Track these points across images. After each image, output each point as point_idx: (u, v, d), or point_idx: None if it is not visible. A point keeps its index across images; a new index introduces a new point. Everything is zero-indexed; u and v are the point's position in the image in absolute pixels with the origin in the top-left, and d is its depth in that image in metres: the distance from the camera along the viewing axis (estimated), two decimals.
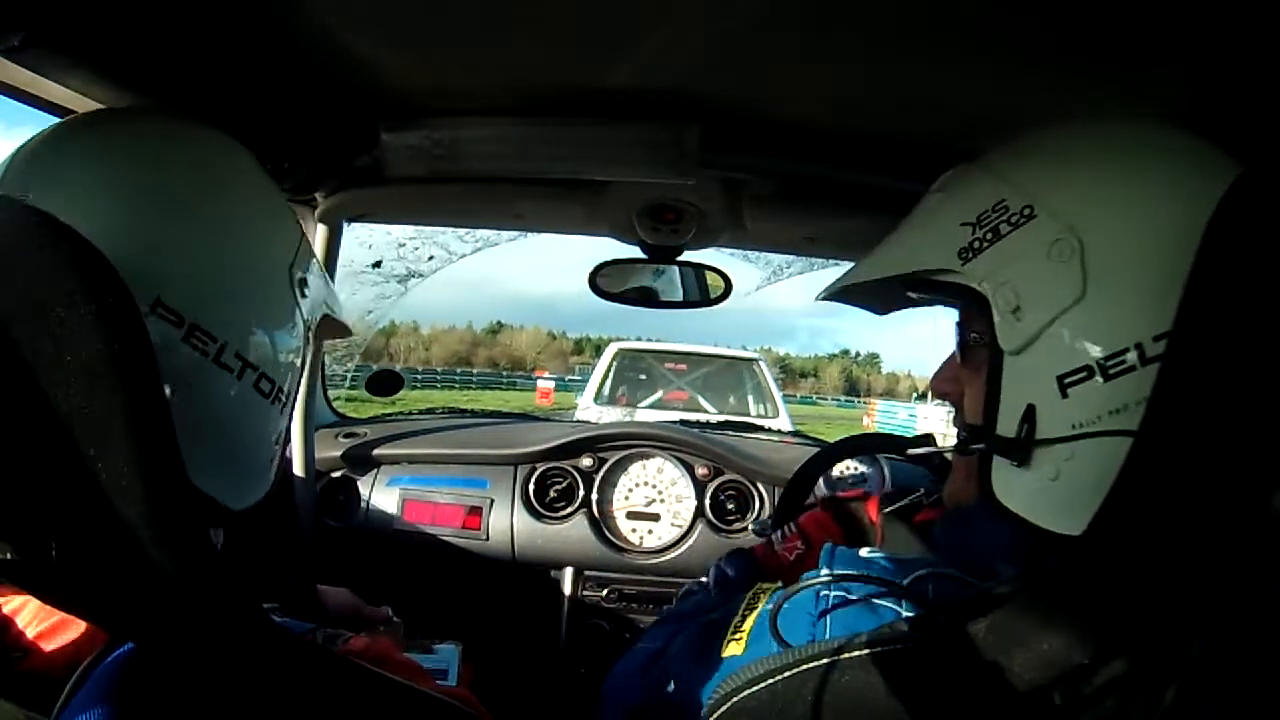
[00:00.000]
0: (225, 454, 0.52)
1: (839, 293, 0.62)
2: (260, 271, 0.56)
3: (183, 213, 0.51)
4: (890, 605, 0.45)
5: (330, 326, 0.70)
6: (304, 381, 1.21)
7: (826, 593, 0.47)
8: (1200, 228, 0.39)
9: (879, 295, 0.64)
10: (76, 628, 0.47)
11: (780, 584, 0.54)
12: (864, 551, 0.50)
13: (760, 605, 0.52)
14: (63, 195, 0.47)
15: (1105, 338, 0.44)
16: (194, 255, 0.51)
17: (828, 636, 0.45)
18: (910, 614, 0.44)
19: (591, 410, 4.68)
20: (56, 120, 0.60)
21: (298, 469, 1.23)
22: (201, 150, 0.57)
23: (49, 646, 0.46)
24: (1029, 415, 0.46)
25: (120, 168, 0.51)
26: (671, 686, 0.55)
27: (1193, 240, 0.39)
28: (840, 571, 0.48)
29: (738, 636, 0.51)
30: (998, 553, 0.49)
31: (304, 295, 0.59)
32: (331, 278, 1.22)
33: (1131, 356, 0.43)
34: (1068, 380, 0.45)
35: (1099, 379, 0.44)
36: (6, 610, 0.46)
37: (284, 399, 0.57)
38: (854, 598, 0.46)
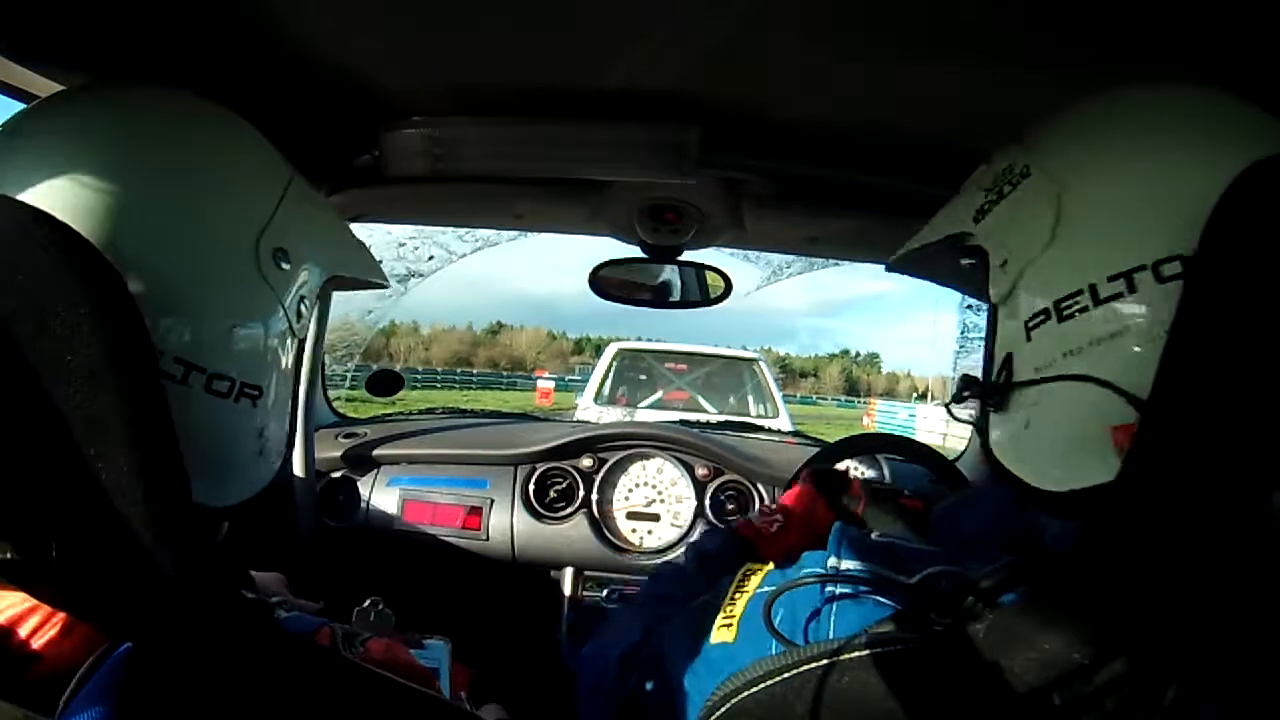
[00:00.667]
0: (191, 460, 0.45)
1: (903, 264, 0.65)
2: (205, 250, 0.47)
3: (93, 181, 0.44)
4: (897, 604, 0.44)
5: (354, 280, 0.63)
6: (305, 367, 1.22)
7: (833, 588, 0.46)
8: (1183, 190, 0.41)
9: (941, 267, 0.65)
10: (85, 632, 0.46)
11: (772, 565, 0.52)
12: (875, 535, 0.49)
13: (751, 587, 0.51)
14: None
15: (1063, 281, 0.45)
16: (108, 231, 0.43)
17: (830, 634, 0.44)
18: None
19: (591, 410, 4.67)
20: None
21: (298, 469, 1.23)
22: (129, 107, 0.49)
23: (56, 653, 0.45)
24: (1006, 362, 0.49)
25: (44, 146, 0.45)
26: (660, 675, 0.54)
27: (1172, 199, 0.42)
28: (846, 565, 0.47)
29: (728, 621, 0.49)
30: (993, 518, 0.50)
31: (282, 268, 0.50)
32: None
33: (1084, 298, 0.44)
34: (1030, 324, 0.47)
35: (1054, 320, 0.46)
36: (9, 616, 0.46)
37: (256, 393, 0.50)
38: (863, 593, 0.45)
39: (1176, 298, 0.40)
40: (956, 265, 0.60)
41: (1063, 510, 0.46)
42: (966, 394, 0.54)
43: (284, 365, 0.53)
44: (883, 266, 1.08)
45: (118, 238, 0.43)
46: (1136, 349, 0.42)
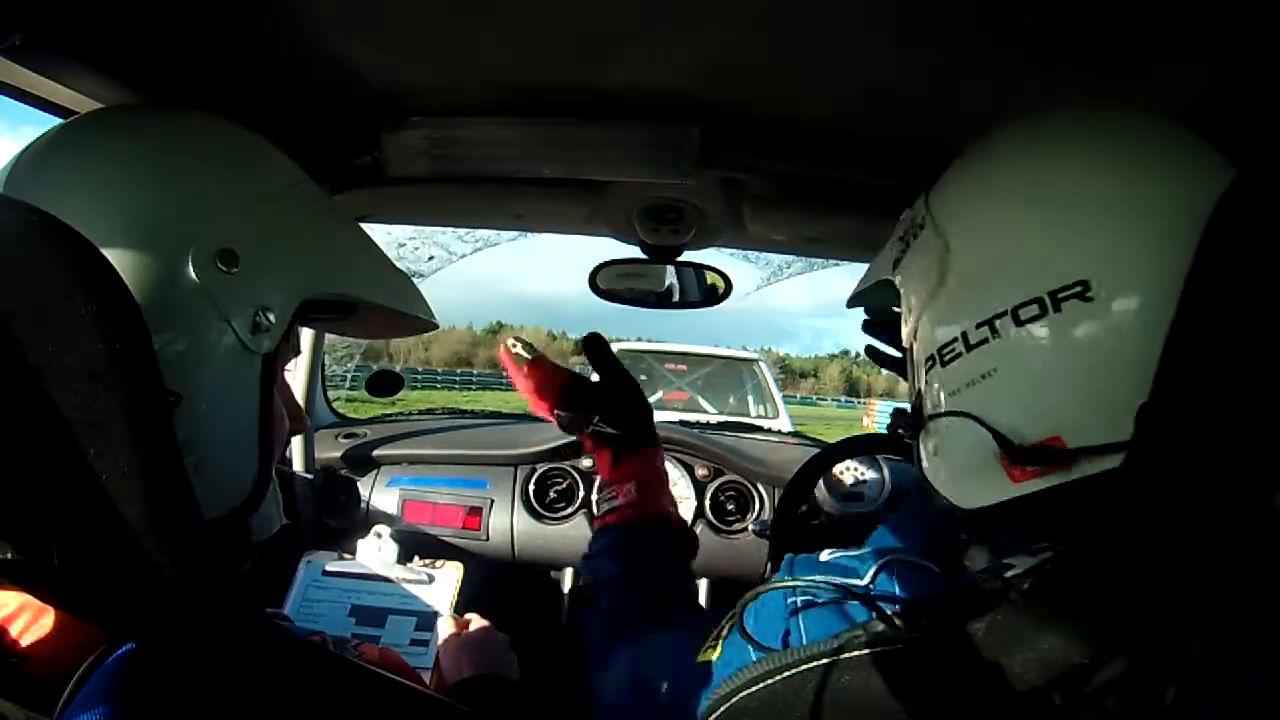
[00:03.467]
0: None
1: (856, 304, 0.69)
2: (138, 244, 0.46)
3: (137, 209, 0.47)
4: (860, 605, 0.46)
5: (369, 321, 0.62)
6: (304, 375, 1.22)
7: (793, 598, 0.48)
8: (1039, 246, 0.46)
9: (887, 312, 0.68)
10: (74, 631, 0.46)
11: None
12: (824, 555, 0.52)
13: (727, 630, 0.53)
14: (50, 192, 0.45)
15: (944, 329, 0.50)
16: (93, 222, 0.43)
17: (803, 640, 0.45)
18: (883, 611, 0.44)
19: None
20: (59, 120, 0.59)
21: (298, 469, 1.23)
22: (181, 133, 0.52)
23: (46, 652, 0.45)
24: (917, 397, 0.54)
25: (103, 163, 0.48)
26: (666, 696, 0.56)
27: (1029, 254, 0.46)
28: (803, 576, 0.49)
29: (714, 643, 0.52)
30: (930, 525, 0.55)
31: (228, 272, 0.48)
32: None
33: (959, 344, 0.48)
34: (925, 368, 0.52)
35: (939, 365, 0.50)
36: (1, 616, 0.46)
37: (173, 399, 0.45)
38: (821, 601, 0.47)
39: (1040, 334, 0.44)
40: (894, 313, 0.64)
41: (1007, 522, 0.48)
42: (899, 428, 0.57)
43: (217, 374, 0.49)
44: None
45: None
46: (1003, 385, 0.46)
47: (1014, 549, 0.45)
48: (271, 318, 0.51)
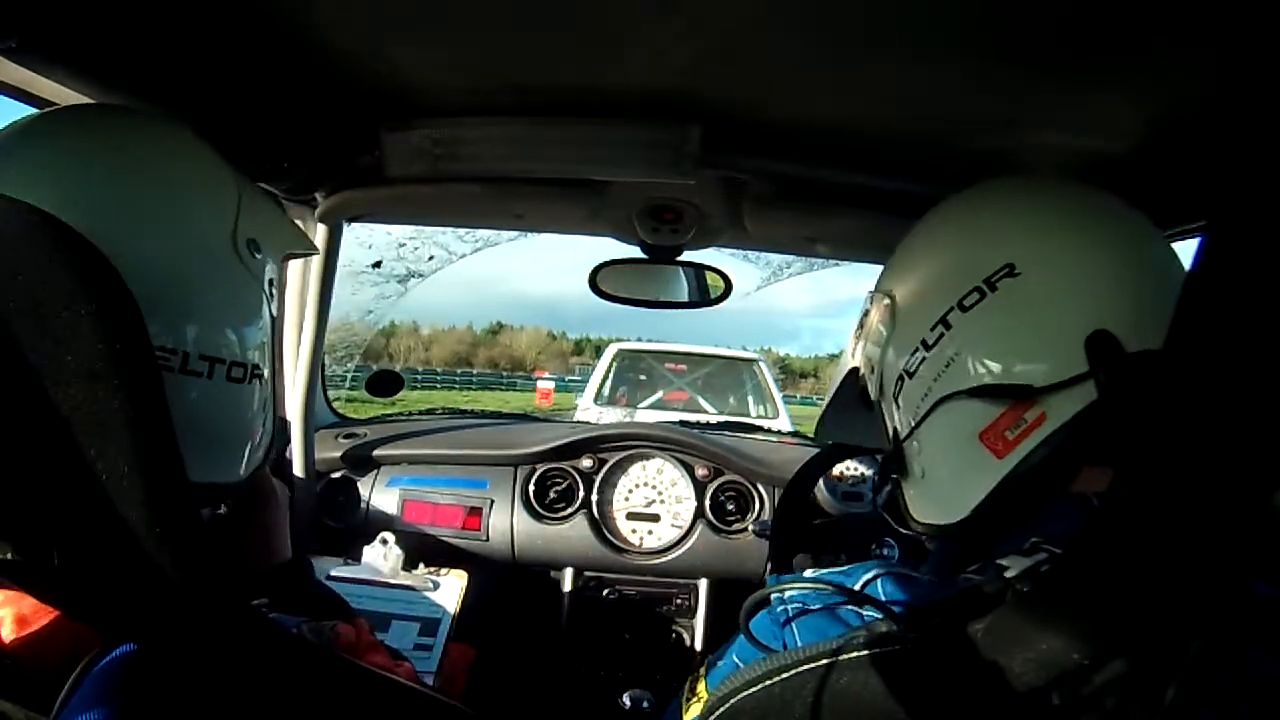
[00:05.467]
0: (213, 445, 0.52)
1: (830, 431, 0.79)
2: (202, 257, 0.52)
3: (104, 215, 0.48)
4: (852, 609, 0.47)
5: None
6: (305, 366, 1.22)
7: (783, 607, 0.50)
8: (960, 258, 0.55)
9: (855, 422, 0.73)
10: (67, 630, 0.46)
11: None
12: (808, 573, 0.55)
13: (705, 671, 0.57)
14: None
15: (905, 349, 0.57)
16: (127, 260, 0.45)
17: (798, 643, 0.46)
18: (873, 616, 0.45)
19: (591, 411, 4.67)
20: None
21: (298, 469, 1.23)
22: (107, 137, 0.53)
23: (37, 652, 0.45)
24: (894, 436, 0.60)
25: (42, 175, 0.49)
26: None
27: (952, 266, 0.56)
28: (791, 583, 0.52)
29: (696, 698, 0.56)
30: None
31: (257, 255, 0.57)
32: (331, 278, 1.22)
33: (920, 350, 0.56)
34: (896, 393, 0.58)
35: (908, 380, 0.57)
36: None
37: (261, 371, 0.56)
38: (814, 607, 0.49)
39: (982, 317, 0.53)
40: (862, 413, 0.69)
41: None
42: (890, 474, 0.61)
43: (271, 343, 0.59)
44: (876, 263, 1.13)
45: (117, 260, 0.44)
46: (965, 363, 0.53)
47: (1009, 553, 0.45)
48: (277, 285, 0.60)
